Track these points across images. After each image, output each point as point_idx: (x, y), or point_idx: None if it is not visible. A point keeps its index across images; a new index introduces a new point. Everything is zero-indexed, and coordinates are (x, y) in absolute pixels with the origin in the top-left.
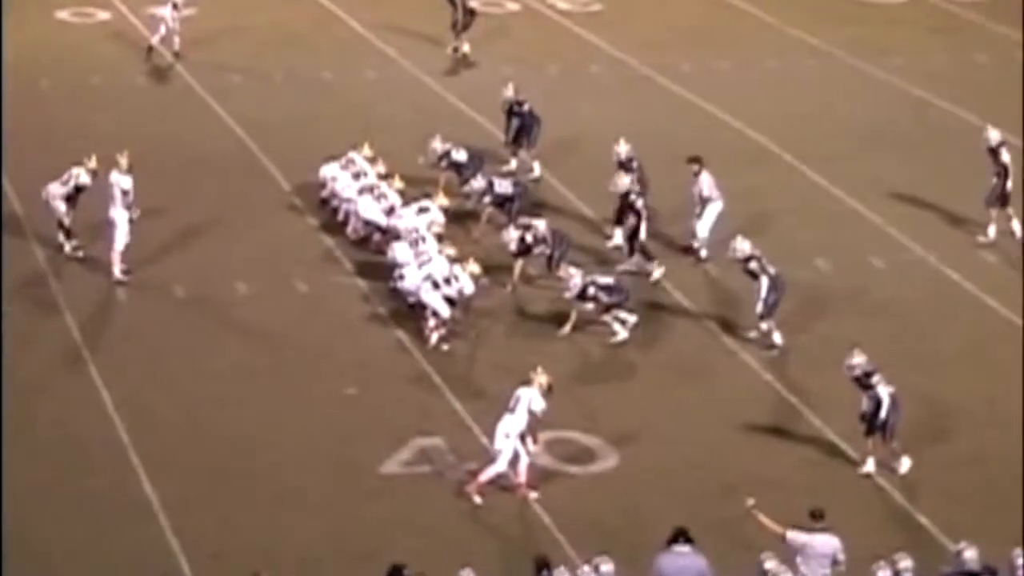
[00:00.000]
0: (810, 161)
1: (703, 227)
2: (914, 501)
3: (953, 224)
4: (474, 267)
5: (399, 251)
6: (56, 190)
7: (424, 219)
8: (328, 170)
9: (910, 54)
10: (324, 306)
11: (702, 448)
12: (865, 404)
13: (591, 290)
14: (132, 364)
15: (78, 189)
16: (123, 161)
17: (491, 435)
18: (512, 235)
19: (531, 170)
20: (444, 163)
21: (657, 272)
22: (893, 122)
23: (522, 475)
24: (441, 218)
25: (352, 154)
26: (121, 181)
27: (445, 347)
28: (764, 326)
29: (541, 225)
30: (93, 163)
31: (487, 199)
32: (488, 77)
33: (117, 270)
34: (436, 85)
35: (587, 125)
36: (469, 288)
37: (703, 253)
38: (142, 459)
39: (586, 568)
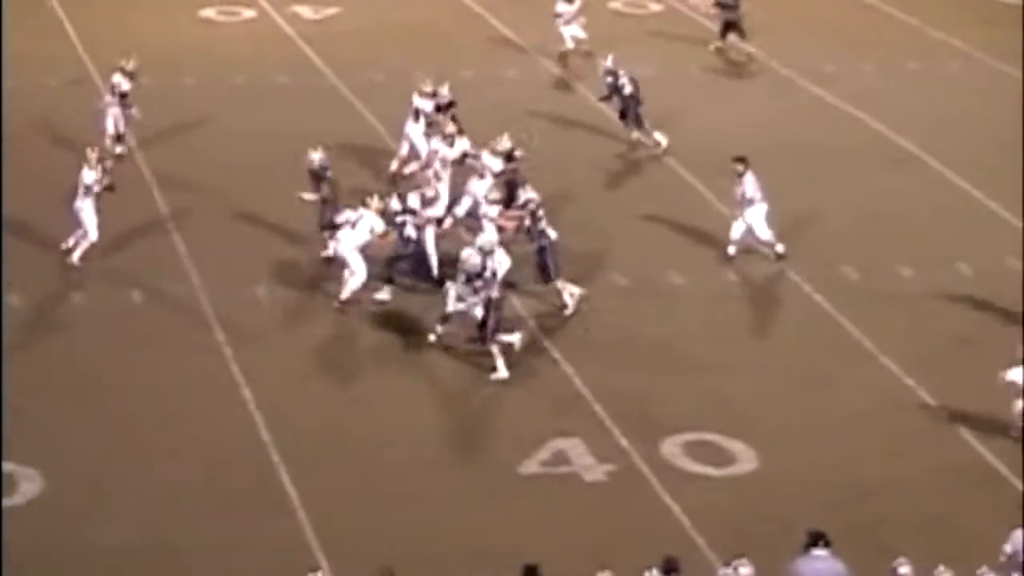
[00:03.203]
0: (951, 164)
1: (762, 230)
2: None
3: None
4: (377, 202)
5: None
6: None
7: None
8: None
9: None
10: None
11: (838, 451)
12: None
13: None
14: (271, 363)
15: (122, 95)
16: (91, 155)
17: (631, 436)
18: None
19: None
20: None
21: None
22: None
23: None
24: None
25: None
26: (85, 176)
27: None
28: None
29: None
30: (132, 65)
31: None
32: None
33: (76, 256)
34: (579, 85)
35: (728, 124)
36: (378, 225)
37: (779, 248)
38: (283, 456)
39: (726, 570)
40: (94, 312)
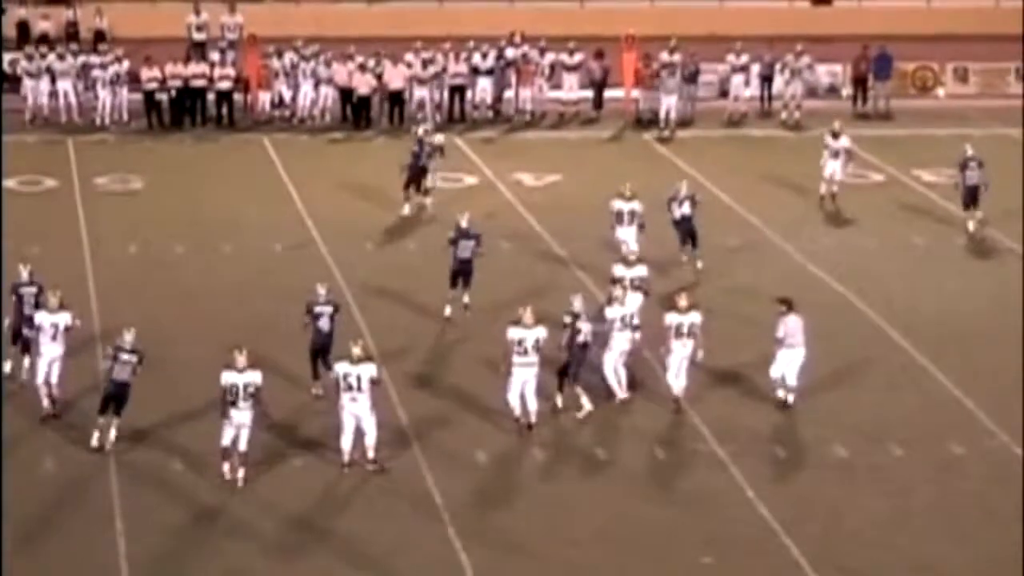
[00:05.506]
0: None
1: (791, 375)
2: None
3: None
4: None
5: None
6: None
7: None
8: None
9: None
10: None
11: None
12: None
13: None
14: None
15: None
16: (53, 300)
17: None
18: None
19: None
20: None
21: None
22: None
23: None
24: None
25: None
26: (45, 320)
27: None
28: None
29: None
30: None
31: None
32: (842, 250)
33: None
34: (798, 255)
35: (952, 302)
36: None
37: (791, 399)
38: None
39: None
40: None
